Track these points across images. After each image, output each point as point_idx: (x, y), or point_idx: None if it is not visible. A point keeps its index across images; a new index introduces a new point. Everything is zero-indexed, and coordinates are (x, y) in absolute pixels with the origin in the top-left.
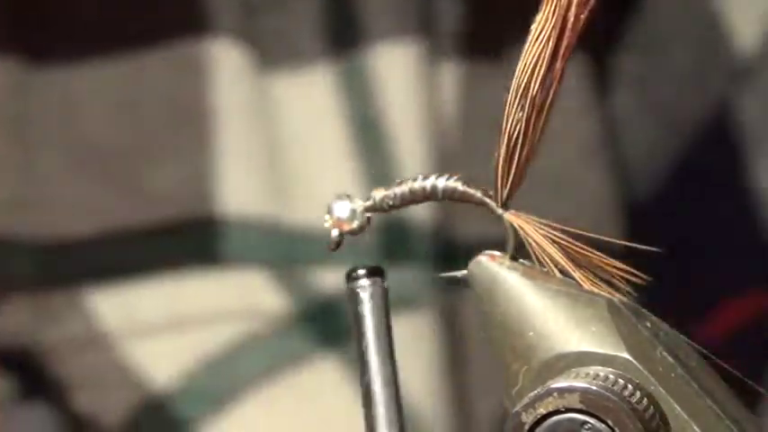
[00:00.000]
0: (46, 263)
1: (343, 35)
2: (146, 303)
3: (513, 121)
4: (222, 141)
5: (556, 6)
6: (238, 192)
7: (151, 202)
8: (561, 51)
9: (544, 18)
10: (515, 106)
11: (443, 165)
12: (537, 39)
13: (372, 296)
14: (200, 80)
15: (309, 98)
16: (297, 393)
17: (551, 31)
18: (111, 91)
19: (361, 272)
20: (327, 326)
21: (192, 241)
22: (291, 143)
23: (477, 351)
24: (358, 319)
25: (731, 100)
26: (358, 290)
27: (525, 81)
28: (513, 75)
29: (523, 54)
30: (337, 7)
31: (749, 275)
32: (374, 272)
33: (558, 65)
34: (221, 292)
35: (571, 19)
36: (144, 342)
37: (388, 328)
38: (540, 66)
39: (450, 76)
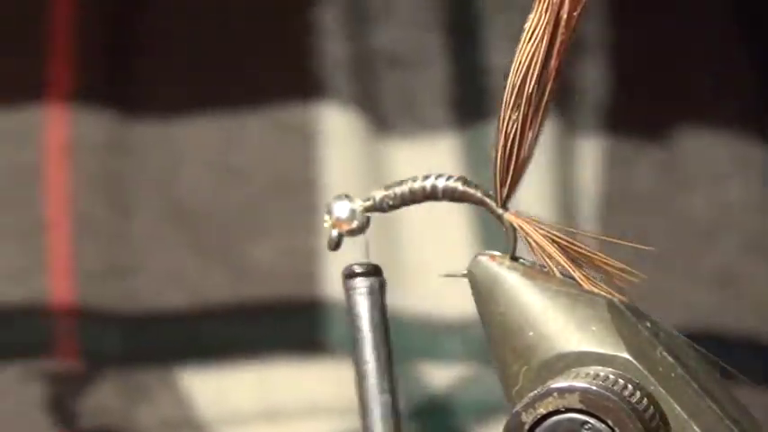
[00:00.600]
0: (137, 337)
1: (469, 105)
2: (239, 388)
3: (509, 120)
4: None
5: (548, 4)
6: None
7: (251, 277)
8: (556, 49)
9: (537, 16)
10: (511, 105)
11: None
12: (531, 37)
13: (369, 295)
14: (308, 146)
15: (429, 168)
16: None
17: (545, 29)
18: (212, 152)
19: (358, 270)
20: (436, 425)
21: (292, 325)
22: (409, 224)
23: None
24: (354, 319)
25: None
26: (354, 289)
27: (520, 80)
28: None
29: (518, 53)
30: (465, 78)
31: None
32: (371, 271)
33: (553, 63)
34: (320, 384)
35: (564, 16)
36: (235, 430)
37: (386, 329)
38: (535, 64)
39: (593, 151)
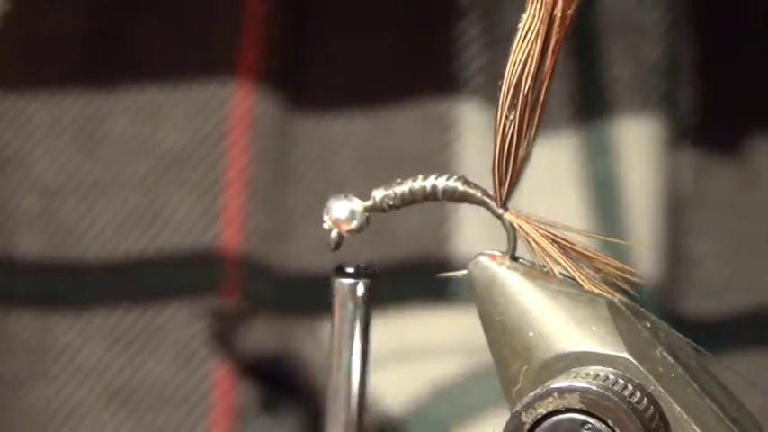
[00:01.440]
0: (289, 292)
1: (589, 106)
2: (376, 336)
3: (505, 120)
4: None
5: (542, 3)
6: (471, 237)
7: (391, 243)
8: (551, 48)
9: (531, 15)
10: (507, 105)
11: (672, 238)
12: (525, 36)
13: (355, 295)
14: (447, 137)
15: (550, 162)
16: None
17: (539, 28)
18: (363, 142)
19: (349, 270)
20: None
21: (424, 280)
22: (527, 201)
23: None
24: (339, 315)
25: None
26: (342, 287)
27: (516, 79)
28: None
29: (512, 52)
30: (587, 80)
31: None
32: (363, 271)
33: (549, 62)
34: (448, 329)
35: (558, 14)
36: (374, 371)
37: (367, 330)
38: (531, 63)
39: (685, 158)
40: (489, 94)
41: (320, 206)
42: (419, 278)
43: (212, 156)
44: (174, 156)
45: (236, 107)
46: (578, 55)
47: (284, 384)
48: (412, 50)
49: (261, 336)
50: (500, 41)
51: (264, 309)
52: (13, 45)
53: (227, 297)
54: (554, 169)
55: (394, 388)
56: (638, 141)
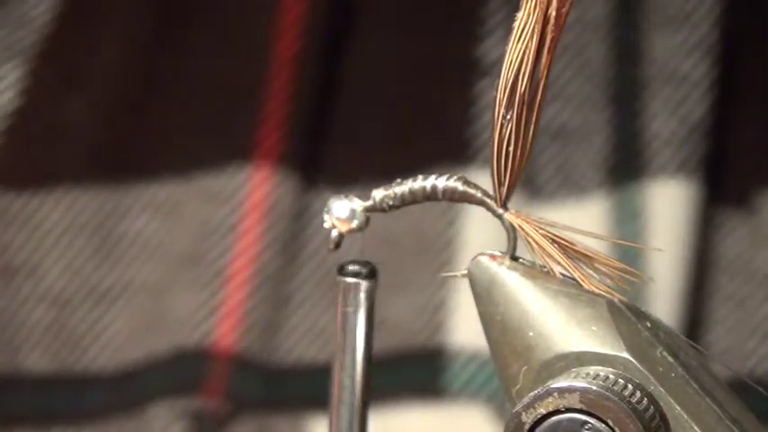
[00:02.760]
0: (276, 387)
1: (623, 166)
2: None
3: (503, 119)
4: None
5: (536, 3)
6: (471, 325)
7: (387, 330)
8: (546, 46)
9: (526, 14)
10: (504, 104)
11: (688, 302)
12: (520, 36)
13: (359, 293)
14: (452, 213)
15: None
16: None
17: (534, 27)
18: (375, 220)
19: (351, 268)
20: None
21: (417, 372)
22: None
23: None
24: (342, 314)
25: None
26: (346, 286)
27: (512, 79)
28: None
29: (508, 51)
30: (624, 137)
31: None
32: (364, 270)
33: (545, 60)
34: (441, 428)
35: (553, 13)
36: None
37: (371, 328)
38: (526, 62)
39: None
40: None
41: (319, 293)
42: (411, 369)
43: (220, 248)
44: (187, 253)
45: (251, 193)
46: (616, 107)
47: None
48: (427, 119)
49: None
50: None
51: (249, 407)
52: (26, 142)
53: (209, 397)
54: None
55: None
56: (671, 206)
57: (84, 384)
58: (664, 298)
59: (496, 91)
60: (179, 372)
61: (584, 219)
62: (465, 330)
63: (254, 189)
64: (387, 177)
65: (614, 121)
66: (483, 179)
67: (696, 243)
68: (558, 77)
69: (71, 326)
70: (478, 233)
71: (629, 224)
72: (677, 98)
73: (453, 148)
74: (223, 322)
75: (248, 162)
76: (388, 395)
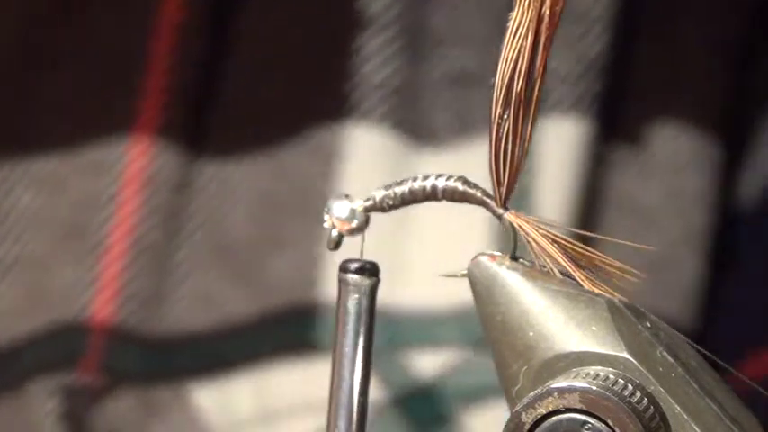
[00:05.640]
0: (158, 358)
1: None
2: (240, 397)
3: (500, 119)
4: None
5: (530, 1)
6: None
7: (264, 292)
8: (541, 45)
9: (520, 12)
10: (501, 104)
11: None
12: (515, 35)
13: (360, 291)
14: (333, 166)
15: (469, 165)
16: None
17: (528, 26)
18: (257, 185)
19: (353, 265)
20: (423, 411)
21: (290, 330)
22: (426, 222)
23: None
24: (341, 314)
25: None
26: (347, 283)
27: (508, 78)
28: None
29: (503, 51)
30: None
31: None
32: (366, 269)
33: (540, 59)
34: (313, 382)
35: (547, 12)
36: None
37: (371, 326)
38: (522, 61)
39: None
40: (385, 113)
41: (210, 260)
42: (285, 327)
43: (99, 220)
44: (69, 226)
45: (131, 163)
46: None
47: None
48: (311, 79)
49: (121, 412)
50: (397, 57)
51: (129, 380)
52: None
53: (85, 371)
54: (467, 174)
55: None
56: (563, 144)
57: None
58: None
59: (493, 90)
60: (56, 347)
61: (475, 160)
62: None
63: (133, 160)
64: (271, 145)
65: None
66: (360, 131)
67: (587, 180)
68: (457, 22)
69: None
70: (354, 187)
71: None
72: (575, 35)
73: (335, 104)
74: (100, 295)
75: (129, 133)
76: (263, 356)
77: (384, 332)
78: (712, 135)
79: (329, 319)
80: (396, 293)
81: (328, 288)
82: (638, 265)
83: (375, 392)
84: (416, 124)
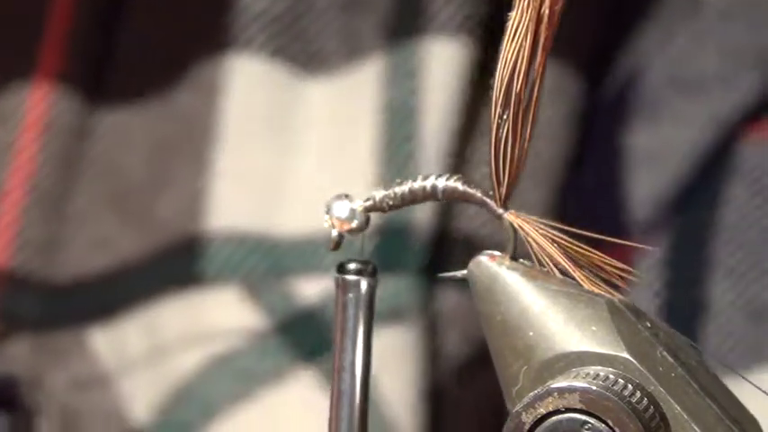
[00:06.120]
0: (55, 303)
1: (403, 29)
2: (133, 337)
3: (499, 119)
4: (221, 159)
5: (529, 1)
6: (228, 208)
7: (152, 231)
8: (541, 45)
9: (519, 12)
10: (500, 104)
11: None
12: (514, 35)
13: (359, 292)
14: (216, 100)
15: (351, 90)
16: (274, 412)
17: (528, 26)
18: (151, 128)
19: (352, 266)
20: (307, 337)
21: (176, 265)
22: (310, 151)
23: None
24: (342, 313)
25: None
26: (345, 284)
27: (507, 78)
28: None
29: (502, 51)
30: (405, 3)
31: None
32: (365, 268)
33: (539, 59)
34: (198, 315)
35: (546, 11)
36: (131, 378)
37: (370, 327)
38: (521, 62)
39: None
40: (266, 42)
41: (105, 204)
42: (172, 263)
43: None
44: None
45: (30, 111)
46: None
47: (39, 410)
48: (191, 16)
49: (17, 358)
50: None
51: (26, 325)
52: None
53: None
54: (353, 99)
55: (143, 394)
56: (441, 65)
57: None
58: (432, 158)
59: (492, 91)
60: None
61: (358, 82)
62: (222, 214)
63: (33, 106)
64: (161, 88)
65: None
66: (242, 62)
67: (468, 104)
68: None
69: None
70: (239, 118)
71: (402, 83)
72: None
73: (217, 37)
74: None
75: (29, 80)
76: (152, 294)
77: (266, 258)
78: (573, 68)
79: (212, 250)
80: (276, 219)
81: (212, 220)
82: None
83: (257, 320)
84: (302, 52)
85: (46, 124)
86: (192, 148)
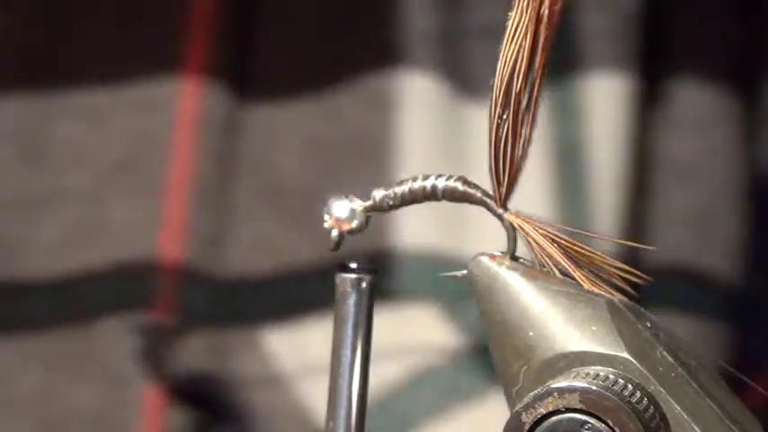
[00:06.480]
0: (226, 300)
1: (556, 62)
2: (313, 342)
3: (499, 119)
4: (402, 173)
5: (529, 1)
6: (416, 225)
7: (321, 238)
8: (540, 45)
9: (518, 13)
10: (500, 104)
11: (634, 201)
12: (514, 35)
13: (360, 291)
14: (387, 113)
15: None
16: (470, 428)
17: (527, 26)
18: (307, 129)
19: (353, 266)
20: None
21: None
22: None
23: None
24: (341, 314)
25: None
26: (345, 283)
27: (507, 78)
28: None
29: (502, 51)
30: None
31: None
32: (366, 268)
33: (539, 59)
34: (391, 328)
35: (546, 12)
36: (313, 381)
37: (370, 327)
38: (521, 62)
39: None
40: (432, 61)
41: (264, 204)
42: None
43: (156, 158)
44: (118, 161)
45: (182, 105)
46: None
47: (217, 405)
48: (352, 22)
49: (194, 353)
50: (440, 6)
51: (200, 322)
52: None
53: (159, 311)
54: None
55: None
56: (607, 100)
57: (21, 293)
58: (605, 190)
59: (492, 90)
60: (125, 286)
61: None
62: (411, 230)
63: (185, 100)
64: (318, 89)
65: None
66: (411, 80)
67: (635, 138)
68: None
69: (3, 232)
70: (415, 135)
71: (568, 118)
72: None
73: (384, 50)
74: (165, 234)
75: (178, 73)
76: (328, 302)
77: (457, 285)
78: (734, 91)
79: (406, 266)
80: (461, 239)
81: (400, 235)
82: (679, 220)
83: (454, 338)
84: (463, 75)
85: (200, 118)
86: (365, 157)
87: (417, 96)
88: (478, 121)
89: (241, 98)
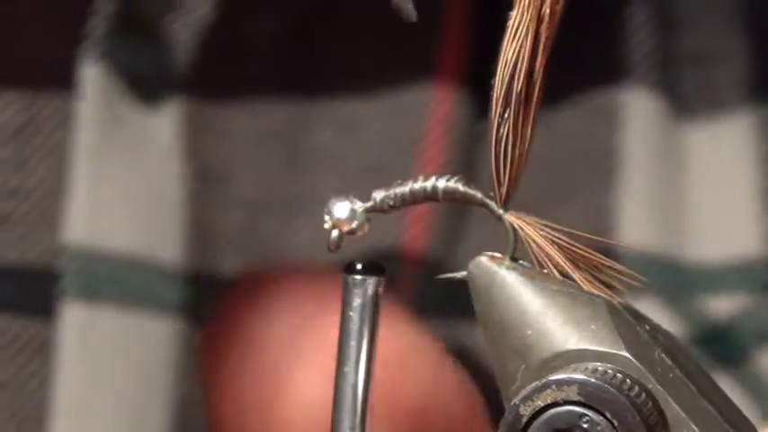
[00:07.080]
0: (455, 294)
1: (765, 81)
2: None
3: (500, 119)
4: (627, 183)
5: (530, 1)
6: (637, 227)
7: None
8: (541, 45)
9: (519, 14)
10: (500, 104)
11: None
12: (514, 35)
13: (365, 292)
14: (613, 128)
15: (724, 146)
16: None
17: (528, 26)
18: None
19: (359, 266)
20: (719, 350)
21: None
22: (698, 186)
23: None
24: (346, 313)
25: None
26: (352, 284)
27: (508, 78)
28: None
29: (503, 51)
30: (761, 53)
31: None
32: (372, 269)
33: (540, 59)
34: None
35: (547, 11)
36: None
37: (375, 327)
38: (522, 62)
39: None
40: (657, 80)
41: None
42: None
43: (405, 163)
44: (368, 166)
45: (433, 111)
46: (749, 26)
47: None
48: (580, 41)
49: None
50: (667, 25)
51: (434, 316)
52: (219, 54)
53: (398, 294)
54: (727, 153)
55: None
56: (643, 118)
57: None
58: None
59: (493, 90)
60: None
61: (729, 137)
62: (634, 233)
63: (437, 106)
64: (558, 109)
65: (749, 40)
66: (637, 97)
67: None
68: (689, 4)
69: (262, 231)
70: (642, 145)
71: None
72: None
73: (609, 68)
74: (412, 227)
75: (432, 81)
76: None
77: (676, 277)
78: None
79: (628, 262)
80: (682, 245)
81: (623, 237)
82: None
83: (678, 328)
84: (675, 95)
85: (450, 124)
86: (595, 167)
87: (642, 113)
88: (695, 143)
89: (485, 107)
